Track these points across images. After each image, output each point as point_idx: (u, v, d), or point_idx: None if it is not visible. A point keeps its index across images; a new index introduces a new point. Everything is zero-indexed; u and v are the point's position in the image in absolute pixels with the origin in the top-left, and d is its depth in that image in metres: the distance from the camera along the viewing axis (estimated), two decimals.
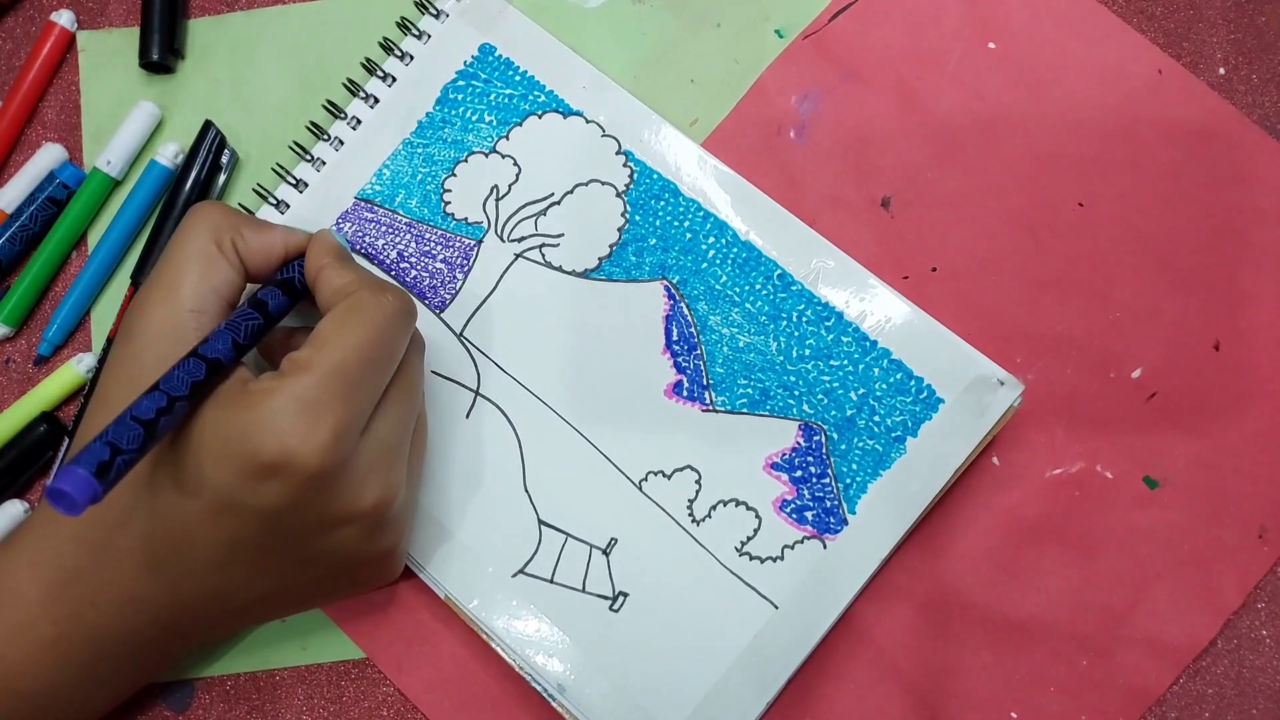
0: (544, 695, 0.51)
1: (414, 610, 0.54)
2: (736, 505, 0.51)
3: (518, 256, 0.55)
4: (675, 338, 0.53)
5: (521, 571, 0.52)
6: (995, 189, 0.55)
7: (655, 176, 0.54)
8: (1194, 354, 0.53)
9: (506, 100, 0.56)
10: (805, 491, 0.51)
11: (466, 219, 0.55)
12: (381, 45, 0.58)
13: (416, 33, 0.58)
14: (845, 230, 0.55)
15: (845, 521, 0.50)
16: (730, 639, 0.50)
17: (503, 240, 0.55)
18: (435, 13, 0.58)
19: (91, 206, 0.59)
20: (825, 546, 0.50)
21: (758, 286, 0.53)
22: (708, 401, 0.52)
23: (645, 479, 0.52)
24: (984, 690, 0.51)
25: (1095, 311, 0.54)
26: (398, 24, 0.58)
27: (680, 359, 0.53)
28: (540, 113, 0.56)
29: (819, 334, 0.52)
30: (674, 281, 0.53)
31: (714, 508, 0.51)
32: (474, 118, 0.56)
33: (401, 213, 0.56)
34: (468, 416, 0.54)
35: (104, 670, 0.48)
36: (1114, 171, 0.55)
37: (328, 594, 0.50)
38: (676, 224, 0.54)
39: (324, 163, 0.57)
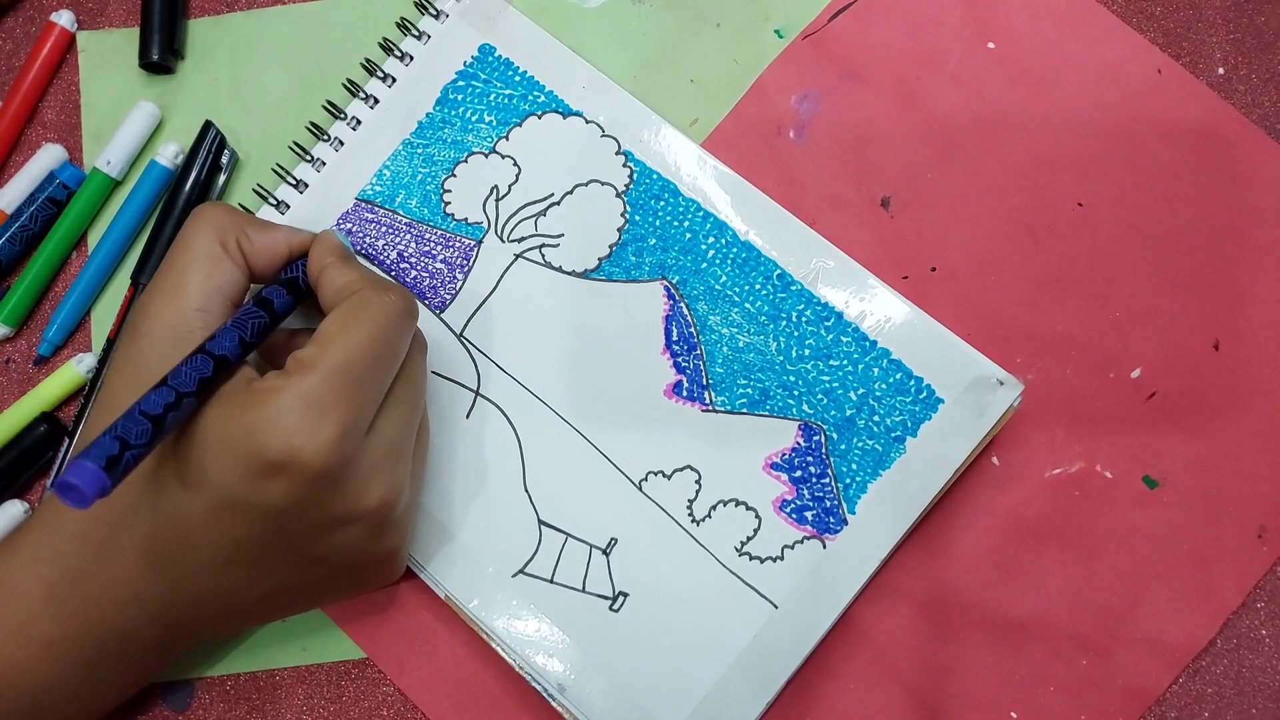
0: (544, 695, 0.51)
1: (414, 610, 0.54)
2: (736, 505, 0.51)
3: (518, 257, 0.55)
4: (675, 338, 0.53)
5: (521, 571, 0.52)
6: (995, 189, 0.55)
7: (655, 177, 0.54)
8: (1194, 354, 0.53)
9: (506, 100, 0.56)
10: (805, 491, 0.51)
11: (466, 219, 0.55)
12: (381, 45, 0.58)
13: (416, 33, 0.58)
14: (845, 230, 0.55)
15: (845, 521, 0.50)
16: (730, 639, 0.50)
17: (503, 240, 0.55)
18: (435, 13, 0.58)
19: (91, 206, 0.59)
20: (825, 546, 0.50)
21: (757, 286, 0.53)
22: (707, 401, 0.52)
23: (645, 479, 0.52)
24: (984, 690, 0.51)
25: (1095, 311, 0.54)
26: (398, 24, 0.58)
27: (680, 359, 0.53)
28: (540, 113, 0.56)
29: (819, 334, 0.52)
30: (674, 281, 0.53)
31: (714, 508, 0.51)
32: (474, 118, 0.56)
33: (401, 213, 0.56)
34: (468, 417, 0.54)
35: (106, 668, 0.48)
36: (1114, 171, 0.55)
37: (330, 594, 0.50)
38: (676, 224, 0.54)
39: (324, 163, 0.57)
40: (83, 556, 0.46)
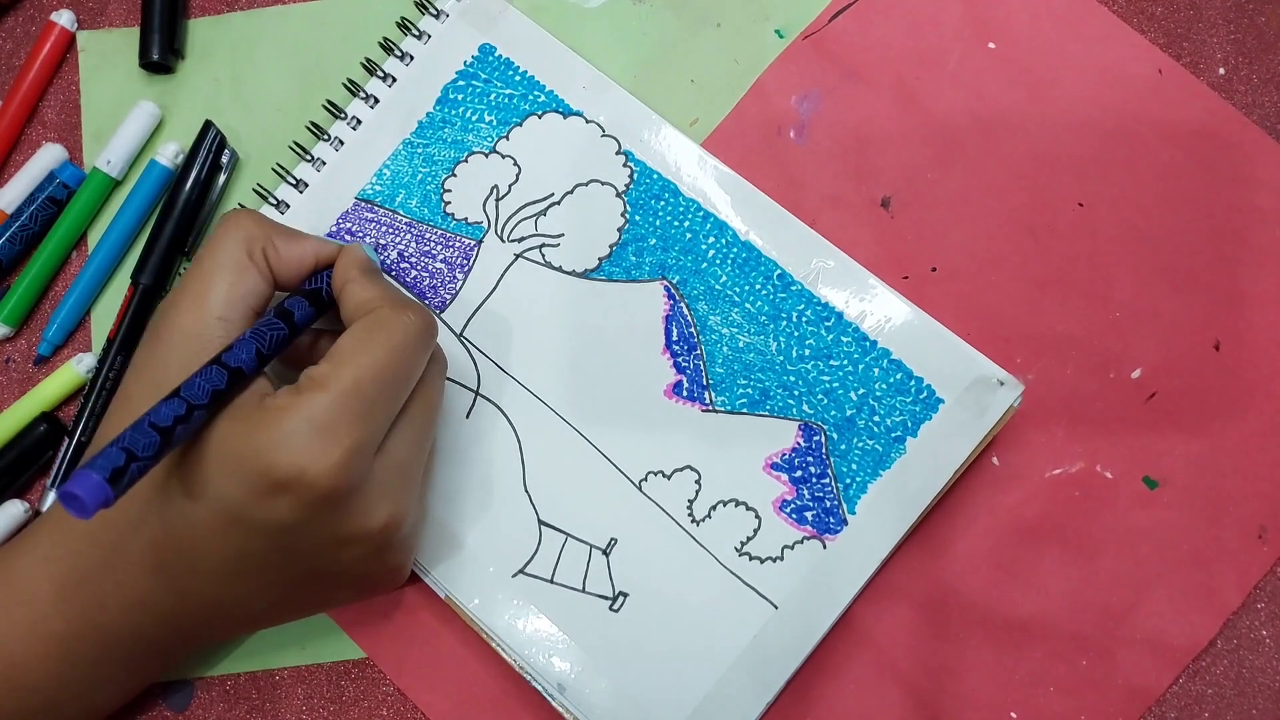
0: (544, 695, 0.51)
1: (414, 610, 0.54)
2: (736, 505, 0.51)
3: (518, 257, 0.55)
4: (675, 338, 0.53)
5: (521, 571, 0.52)
6: (995, 189, 0.55)
7: (655, 176, 0.54)
8: (1194, 354, 0.53)
9: (506, 100, 0.56)
10: (805, 491, 0.51)
11: (466, 219, 0.55)
12: (381, 45, 0.58)
13: (416, 33, 0.58)
14: (845, 230, 0.55)
15: (845, 522, 0.50)
16: (730, 639, 0.50)
17: (503, 240, 0.55)
18: (435, 13, 0.58)
19: (91, 206, 0.59)
20: (825, 546, 0.50)
21: (757, 286, 0.53)
22: (707, 401, 0.52)
23: (645, 479, 0.52)
24: (984, 690, 0.51)
25: (1095, 311, 0.54)
26: (398, 24, 0.58)
27: (680, 359, 0.53)
28: (540, 113, 0.56)
29: (819, 334, 0.52)
30: (674, 281, 0.53)
31: (714, 508, 0.51)
32: (474, 118, 0.56)
33: (402, 213, 0.56)
34: (468, 416, 0.54)
35: (111, 667, 0.48)
36: (1114, 171, 0.54)
37: (334, 602, 0.51)
38: (676, 224, 0.54)
39: (324, 163, 0.57)
40: (91, 558, 0.46)
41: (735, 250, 0.53)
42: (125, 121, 0.59)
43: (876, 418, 0.51)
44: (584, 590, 0.51)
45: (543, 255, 0.55)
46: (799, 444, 0.51)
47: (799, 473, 0.51)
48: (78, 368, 0.57)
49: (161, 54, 0.59)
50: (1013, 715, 0.51)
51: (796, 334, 0.52)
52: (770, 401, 0.52)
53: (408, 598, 0.54)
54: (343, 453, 0.42)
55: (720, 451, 0.52)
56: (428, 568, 0.52)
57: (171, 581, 0.45)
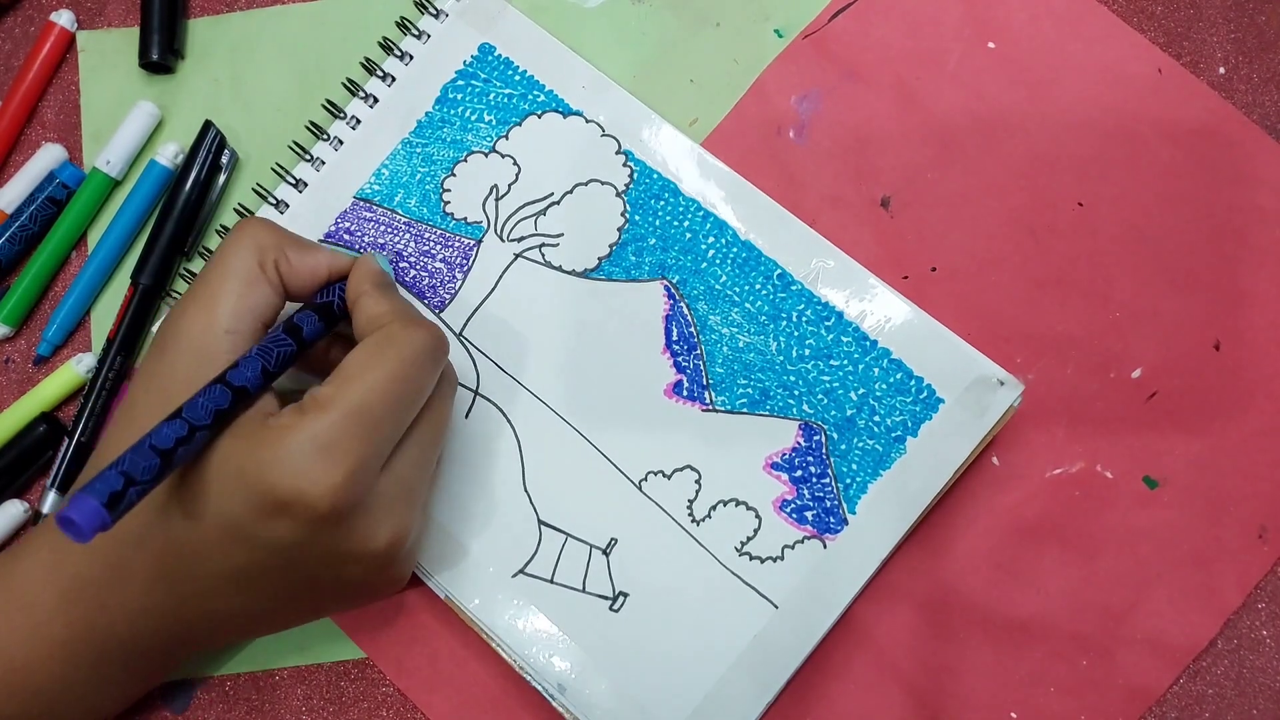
0: (544, 695, 0.50)
1: (414, 610, 0.54)
2: (736, 505, 0.51)
3: (517, 256, 0.55)
4: (675, 337, 0.53)
5: (521, 571, 0.52)
6: (995, 189, 0.55)
7: (655, 176, 0.54)
8: (1194, 354, 0.53)
9: (506, 100, 0.56)
10: (805, 491, 0.51)
11: (466, 219, 0.55)
12: (381, 45, 0.58)
13: (416, 32, 0.58)
14: (845, 230, 0.55)
15: (845, 521, 0.50)
16: (730, 639, 0.50)
17: (502, 240, 0.55)
18: (435, 12, 0.58)
19: (91, 206, 0.59)
20: (825, 546, 0.50)
21: (757, 286, 0.53)
22: (708, 401, 0.52)
23: (645, 479, 0.52)
24: (984, 690, 0.51)
25: (1095, 311, 0.54)
26: (397, 24, 0.58)
27: (680, 359, 0.53)
28: (540, 112, 0.56)
29: (819, 334, 0.52)
30: (674, 281, 0.53)
31: (714, 508, 0.51)
32: (473, 117, 0.56)
33: (400, 212, 0.56)
34: (467, 416, 0.54)
35: (112, 670, 0.48)
36: (1114, 171, 0.54)
37: (333, 611, 0.52)
38: (676, 224, 0.54)
39: (323, 162, 0.57)
40: (94, 569, 0.46)
41: (735, 250, 0.53)
42: (125, 121, 0.59)
43: (877, 417, 0.51)
44: (584, 590, 0.51)
45: (542, 255, 0.55)
46: (799, 444, 0.51)
47: (799, 472, 0.51)
48: (77, 368, 0.57)
49: (161, 54, 0.59)
50: (1013, 715, 0.51)
51: (797, 334, 0.52)
52: (770, 401, 0.52)
53: (408, 598, 0.54)
54: (344, 474, 0.41)
55: (720, 451, 0.52)
56: (427, 568, 0.52)
57: (173, 591, 0.45)
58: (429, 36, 0.58)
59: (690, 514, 0.51)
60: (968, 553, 0.52)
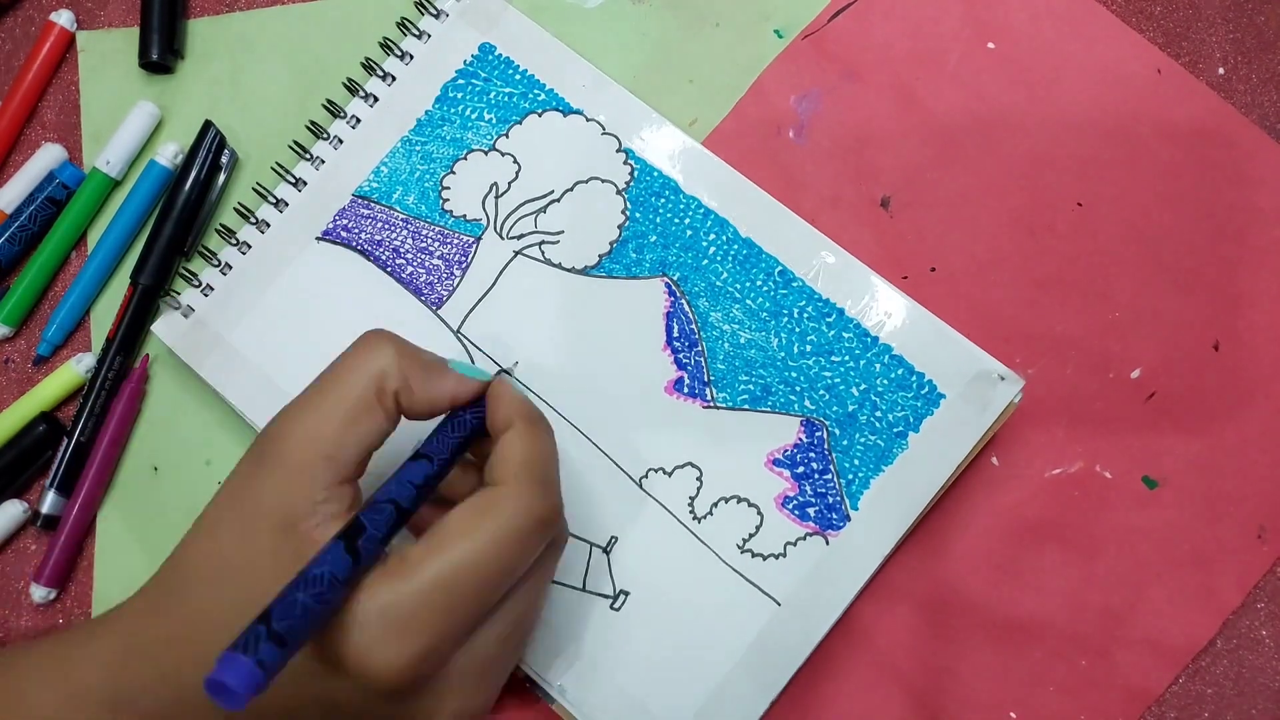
0: (545, 695, 0.50)
1: None
2: (738, 502, 0.51)
3: (517, 254, 0.55)
4: (676, 334, 0.53)
5: None
6: (995, 189, 0.55)
7: (656, 173, 0.54)
8: (1194, 354, 0.53)
9: (506, 98, 0.56)
10: (807, 488, 0.51)
11: (465, 216, 0.55)
12: (381, 45, 0.58)
13: (416, 32, 0.58)
14: (845, 230, 0.55)
15: (847, 517, 0.50)
16: (733, 637, 0.50)
17: (502, 237, 0.55)
18: (435, 12, 0.58)
19: (91, 206, 0.59)
20: (828, 543, 0.50)
21: (758, 283, 0.53)
22: (709, 398, 0.52)
23: (646, 476, 0.52)
24: (984, 690, 0.51)
25: (1095, 311, 0.54)
26: (398, 24, 0.58)
27: (681, 356, 0.53)
28: (540, 111, 0.56)
29: (820, 330, 0.52)
30: (674, 278, 0.53)
31: (715, 505, 0.51)
32: (473, 116, 0.56)
33: (398, 209, 0.56)
34: None
35: None
36: (1113, 171, 0.55)
37: None
38: (677, 221, 0.54)
39: (323, 161, 0.57)
40: (141, 675, 0.42)
41: (736, 247, 0.53)
42: (125, 121, 0.59)
43: (878, 413, 0.51)
44: (584, 589, 0.51)
45: (542, 252, 0.55)
46: (801, 440, 0.51)
47: (801, 469, 0.51)
48: (77, 368, 0.57)
49: (161, 54, 0.59)
50: (1012, 715, 0.51)
51: (798, 330, 0.52)
52: (772, 398, 0.52)
53: None
54: (414, 653, 0.39)
55: (722, 448, 0.52)
56: None
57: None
58: (429, 36, 0.58)
59: (692, 511, 0.51)
60: (967, 553, 0.52)
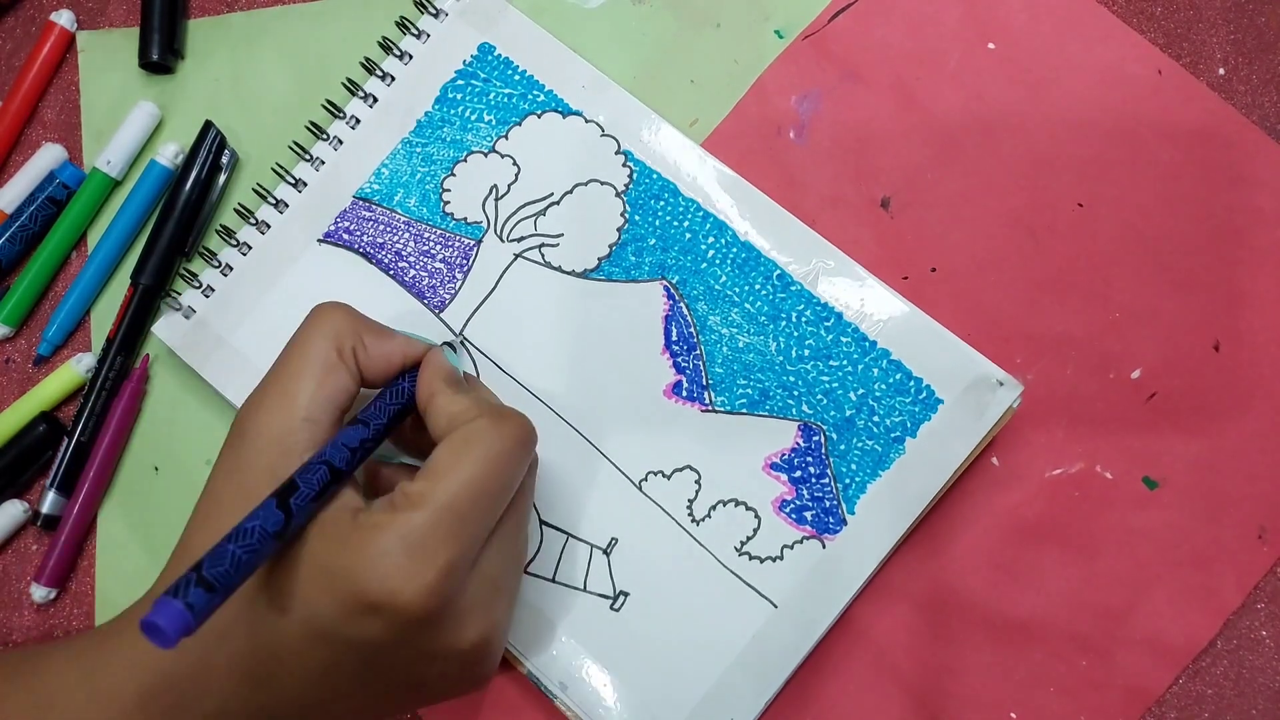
0: (545, 693, 0.51)
1: None
2: (736, 505, 0.51)
3: (517, 256, 0.55)
4: (675, 338, 0.53)
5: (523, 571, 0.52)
6: (995, 189, 0.55)
7: (655, 176, 0.54)
8: (1194, 354, 0.53)
9: (506, 100, 0.56)
10: (805, 491, 0.51)
11: (466, 219, 0.55)
12: (381, 45, 0.58)
13: (416, 32, 0.58)
14: (845, 230, 0.55)
15: (844, 521, 0.50)
16: (730, 638, 0.50)
17: (502, 240, 0.55)
18: (434, 12, 0.58)
19: (91, 206, 0.59)
20: (824, 546, 0.50)
21: (757, 287, 0.53)
22: (707, 402, 0.52)
23: (645, 479, 0.52)
24: (984, 690, 0.51)
25: (1095, 312, 0.54)
26: (397, 24, 0.58)
27: (680, 359, 0.53)
28: (540, 112, 0.56)
29: (818, 334, 0.52)
30: (673, 281, 0.53)
31: (714, 508, 0.51)
32: (473, 117, 0.56)
33: (400, 212, 0.56)
34: None
35: None
36: (1113, 172, 0.54)
37: (417, 706, 0.49)
38: (676, 224, 0.54)
39: (323, 162, 0.57)
40: (178, 666, 0.44)
41: (735, 250, 0.53)
42: (125, 122, 0.59)
43: (876, 418, 0.51)
44: (585, 589, 0.52)
45: (542, 255, 0.55)
46: (798, 444, 0.51)
47: (798, 473, 0.51)
48: (77, 368, 0.57)
49: (161, 54, 0.59)
50: (1012, 715, 0.51)
51: (796, 334, 0.52)
52: (770, 402, 0.52)
53: None
54: (436, 574, 0.40)
55: (720, 451, 0.52)
56: None
57: (254, 691, 0.44)
58: (429, 36, 0.58)
59: (690, 514, 0.51)
60: (967, 553, 0.52)
